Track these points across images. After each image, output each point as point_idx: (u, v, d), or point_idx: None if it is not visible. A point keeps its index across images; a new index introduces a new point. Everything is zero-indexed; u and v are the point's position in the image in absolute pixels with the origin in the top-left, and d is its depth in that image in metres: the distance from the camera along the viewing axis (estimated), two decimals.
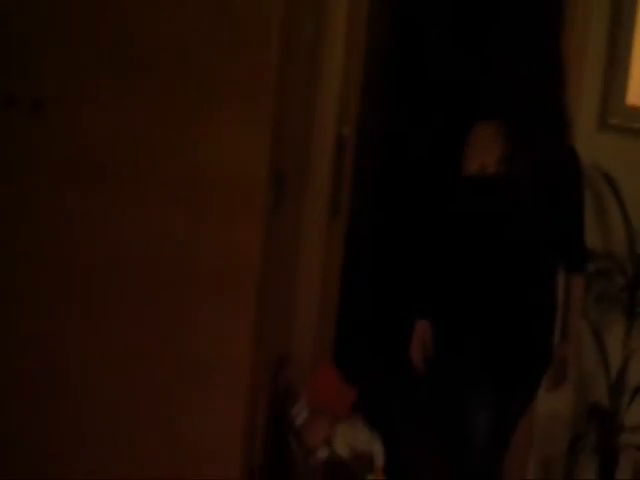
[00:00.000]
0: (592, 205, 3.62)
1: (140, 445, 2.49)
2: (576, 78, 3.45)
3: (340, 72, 2.86)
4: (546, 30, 2.99)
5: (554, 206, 2.89)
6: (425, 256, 3.04)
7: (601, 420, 3.56)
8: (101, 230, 2.43)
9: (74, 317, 2.46)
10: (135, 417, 2.48)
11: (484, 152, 2.85)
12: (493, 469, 3.07)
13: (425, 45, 4.14)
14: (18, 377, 2.48)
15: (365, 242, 3.90)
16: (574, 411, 3.69)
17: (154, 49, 2.35)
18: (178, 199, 2.40)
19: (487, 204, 2.86)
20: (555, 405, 3.68)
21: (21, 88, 2.36)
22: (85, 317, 2.46)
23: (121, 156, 2.39)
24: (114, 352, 2.46)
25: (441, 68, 4.05)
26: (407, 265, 3.20)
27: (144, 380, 2.46)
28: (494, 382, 2.97)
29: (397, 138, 4.45)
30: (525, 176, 2.83)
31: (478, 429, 2.96)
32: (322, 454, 2.82)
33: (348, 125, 2.96)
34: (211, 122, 2.36)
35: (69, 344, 2.46)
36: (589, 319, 3.57)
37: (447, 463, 3.14)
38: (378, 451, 2.94)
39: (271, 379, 2.79)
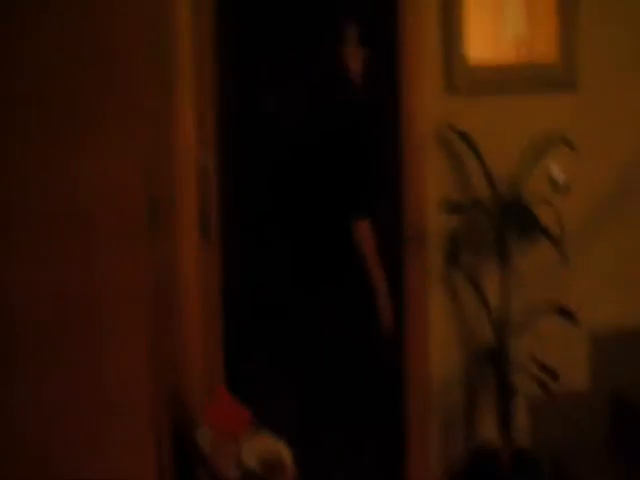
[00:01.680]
0: (451, 163, 3.75)
1: None
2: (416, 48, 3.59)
3: (193, 102, 2.83)
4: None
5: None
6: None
7: (491, 360, 3.70)
8: None
9: None
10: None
11: None
12: None
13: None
14: None
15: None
16: (465, 361, 3.83)
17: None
18: (59, 233, 2.39)
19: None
20: (446, 364, 3.84)
21: None
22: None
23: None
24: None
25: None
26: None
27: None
28: None
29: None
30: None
31: None
32: (234, 475, 2.88)
33: (208, 151, 2.93)
34: (84, 153, 2.39)
35: None
36: (466, 272, 3.72)
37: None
38: (285, 453, 3.02)
39: (170, 413, 2.81)
